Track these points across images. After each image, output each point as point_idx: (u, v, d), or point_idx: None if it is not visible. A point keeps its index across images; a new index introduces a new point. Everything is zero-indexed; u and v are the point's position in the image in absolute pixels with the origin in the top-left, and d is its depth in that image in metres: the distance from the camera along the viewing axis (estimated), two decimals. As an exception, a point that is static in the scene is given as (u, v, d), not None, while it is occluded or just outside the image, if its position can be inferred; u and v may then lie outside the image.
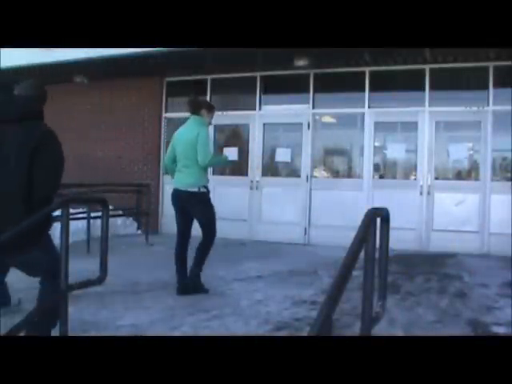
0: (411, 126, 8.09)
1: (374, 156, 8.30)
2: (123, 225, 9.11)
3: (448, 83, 7.95)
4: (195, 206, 4.69)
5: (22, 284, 4.96)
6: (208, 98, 9.24)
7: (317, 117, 8.75)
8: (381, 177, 8.41)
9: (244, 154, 9.05)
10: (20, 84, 3.09)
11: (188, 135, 4.65)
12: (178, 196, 4.73)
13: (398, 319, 3.87)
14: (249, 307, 4.33)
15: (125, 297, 4.59)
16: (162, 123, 9.57)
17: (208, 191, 4.76)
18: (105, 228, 3.66)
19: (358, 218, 2.12)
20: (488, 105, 7.64)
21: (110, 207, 4.15)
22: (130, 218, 9.33)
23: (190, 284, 4.67)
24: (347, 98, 8.61)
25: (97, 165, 9.53)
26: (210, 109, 4.92)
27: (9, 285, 4.53)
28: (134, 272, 5.63)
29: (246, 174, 8.94)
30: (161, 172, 9.56)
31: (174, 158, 4.80)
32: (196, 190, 4.64)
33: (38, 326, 2.78)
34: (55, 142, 2.89)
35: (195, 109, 4.79)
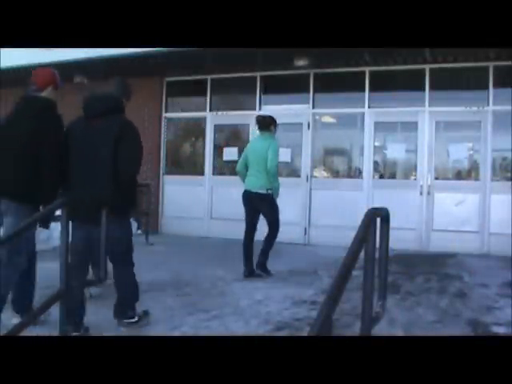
0: (411, 126, 8.08)
1: (374, 156, 8.29)
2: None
3: (448, 83, 7.94)
4: (263, 205, 5.57)
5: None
6: (208, 98, 9.25)
7: (317, 117, 8.74)
8: (381, 177, 8.41)
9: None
10: (109, 83, 3.75)
11: (260, 147, 5.58)
12: (249, 196, 5.60)
13: (398, 319, 3.87)
14: (249, 307, 4.32)
15: (125, 297, 4.58)
16: (162, 123, 9.57)
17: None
18: (105, 228, 3.66)
19: (358, 218, 2.12)
20: (488, 105, 7.63)
21: (110, 207, 4.15)
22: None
23: (254, 269, 5.59)
24: (347, 98, 8.60)
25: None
26: (276, 124, 5.80)
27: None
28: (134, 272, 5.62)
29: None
30: (161, 172, 9.56)
31: (246, 164, 5.68)
32: (264, 191, 5.50)
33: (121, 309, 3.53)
34: (134, 131, 3.49)
35: (265, 126, 5.70)
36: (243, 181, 5.74)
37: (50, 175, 3.43)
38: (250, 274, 5.52)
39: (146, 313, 3.79)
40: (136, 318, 3.65)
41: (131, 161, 3.43)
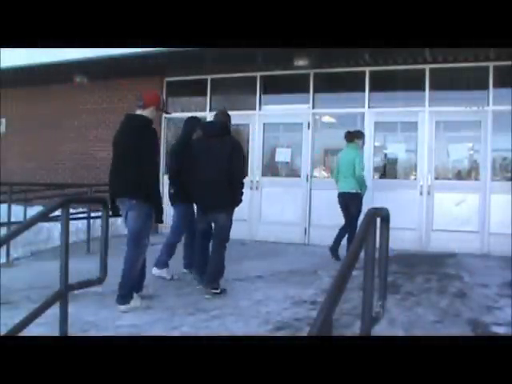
0: (411, 126, 8.08)
1: (374, 156, 8.29)
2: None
3: (448, 83, 7.93)
4: (352, 203, 6.64)
5: (22, 284, 4.97)
6: (208, 98, 9.25)
7: (317, 117, 8.73)
8: (382, 175, 8.40)
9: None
10: (217, 112, 5.08)
11: (349, 156, 6.76)
12: (343, 196, 6.73)
13: (398, 319, 3.87)
14: (249, 307, 4.32)
15: (125, 297, 4.57)
16: (162, 123, 9.56)
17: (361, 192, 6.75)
18: (105, 228, 3.66)
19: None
20: (488, 105, 7.62)
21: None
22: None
23: (336, 251, 6.59)
24: (347, 98, 8.59)
25: (97, 165, 9.51)
26: (361, 137, 6.95)
27: (10, 284, 4.54)
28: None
29: (246, 174, 8.93)
30: (160, 172, 9.53)
31: (338, 171, 6.86)
32: (354, 191, 6.63)
33: (210, 279, 4.72)
34: (241, 148, 4.88)
35: (351, 139, 6.85)
36: (337, 184, 6.89)
37: (149, 180, 4.24)
38: (337, 258, 6.48)
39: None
40: (219, 291, 4.68)
41: (239, 169, 4.78)
